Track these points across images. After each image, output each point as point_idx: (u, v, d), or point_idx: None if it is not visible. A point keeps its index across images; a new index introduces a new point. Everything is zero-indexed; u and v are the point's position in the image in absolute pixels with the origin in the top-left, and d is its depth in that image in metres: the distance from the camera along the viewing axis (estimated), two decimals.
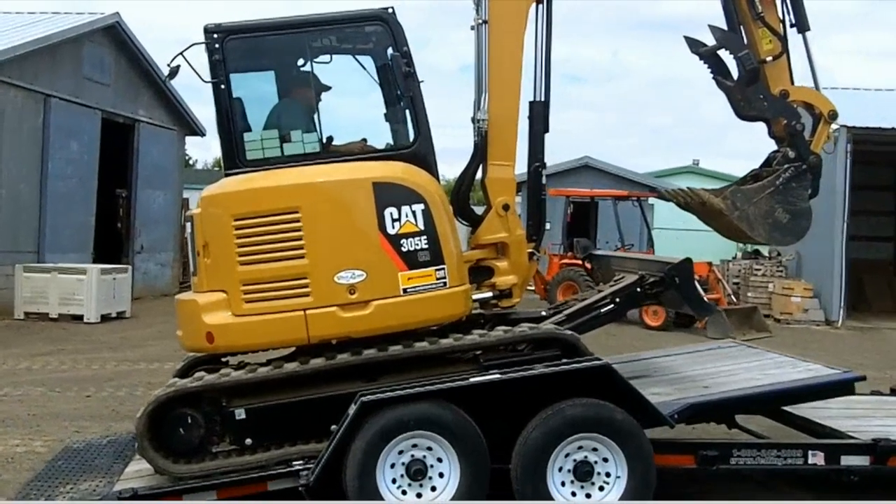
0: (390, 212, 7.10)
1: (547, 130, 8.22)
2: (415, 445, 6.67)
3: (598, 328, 8.46)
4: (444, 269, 7.19)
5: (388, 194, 7.13)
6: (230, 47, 7.43)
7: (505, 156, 7.96)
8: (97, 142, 23.86)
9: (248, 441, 7.04)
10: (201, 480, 6.84)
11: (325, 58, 7.80)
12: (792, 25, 8.47)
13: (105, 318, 19.84)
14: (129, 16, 24.57)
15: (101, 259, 23.32)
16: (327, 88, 7.82)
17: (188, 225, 7.51)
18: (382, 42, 7.58)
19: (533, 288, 24.46)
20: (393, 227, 7.10)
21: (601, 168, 35.39)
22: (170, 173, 27.81)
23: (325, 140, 7.66)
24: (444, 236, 7.22)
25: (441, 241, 7.20)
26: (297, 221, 7.05)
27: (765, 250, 30.39)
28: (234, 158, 7.45)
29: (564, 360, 7.19)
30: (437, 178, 7.58)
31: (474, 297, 7.74)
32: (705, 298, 9.07)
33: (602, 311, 8.28)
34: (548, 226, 28.99)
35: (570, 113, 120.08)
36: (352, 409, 6.63)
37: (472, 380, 6.86)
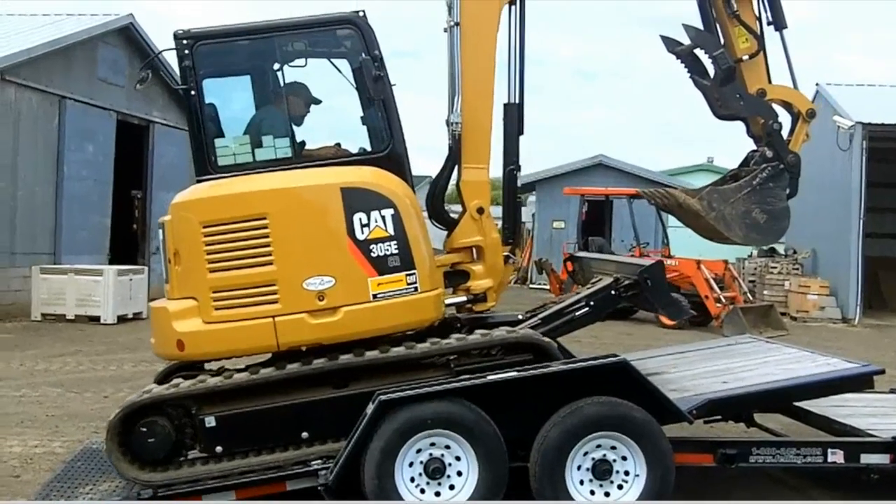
0: (359, 217, 7.06)
1: (521, 132, 8.15)
2: (433, 444, 6.67)
3: (578, 328, 8.38)
4: (415, 273, 7.15)
5: (357, 199, 7.08)
6: (200, 53, 7.40)
7: (479, 159, 7.92)
8: (112, 143, 23.92)
9: (219, 449, 6.99)
10: (220, 480, 6.85)
11: (300, 62, 7.76)
12: (769, 23, 8.43)
13: (122, 319, 19.89)
14: (142, 16, 24.60)
15: (117, 260, 23.38)
16: (317, 101, 7.85)
17: (160, 232, 7.49)
18: (354, 46, 7.52)
19: (548, 287, 24.46)
20: (362, 233, 7.06)
21: (615, 166, 35.33)
22: (185, 174, 27.74)
23: (297, 145, 7.62)
24: (415, 241, 7.18)
25: (412, 246, 7.15)
26: (265, 228, 7.02)
27: (781, 248, 30.28)
28: (205, 164, 7.43)
29: (582, 358, 7.17)
30: (410, 183, 7.53)
31: (448, 301, 7.71)
32: (678, 301, 9.06)
33: (577, 314, 8.17)
34: (562, 224, 29.14)
35: (583, 112, 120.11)
36: (370, 409, 6.63)
37: (489, 377, 6.84)
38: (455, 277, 7.88)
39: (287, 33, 7.60)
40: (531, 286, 33.49)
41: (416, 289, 7.16)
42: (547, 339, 7.47)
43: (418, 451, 6.65)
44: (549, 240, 33.65)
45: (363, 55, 7.35)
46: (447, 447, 6.67)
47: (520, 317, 8.31)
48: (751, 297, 23.88)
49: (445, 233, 8.07)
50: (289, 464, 6.90)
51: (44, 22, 24.39)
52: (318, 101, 7.86)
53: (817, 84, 29.66)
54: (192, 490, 6.82)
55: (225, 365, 7.44)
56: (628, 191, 26.45)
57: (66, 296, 19.95)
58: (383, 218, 7.08)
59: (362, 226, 7.06)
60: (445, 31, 8.01)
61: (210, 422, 6.99)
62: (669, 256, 22.63)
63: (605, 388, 6.82)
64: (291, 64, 7.71)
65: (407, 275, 7.13)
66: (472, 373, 7.01)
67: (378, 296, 7.08)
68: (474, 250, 7.91)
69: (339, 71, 7.74)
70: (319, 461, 6.84)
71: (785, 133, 8.51)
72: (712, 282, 21.10)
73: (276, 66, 7.66)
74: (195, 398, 7.05)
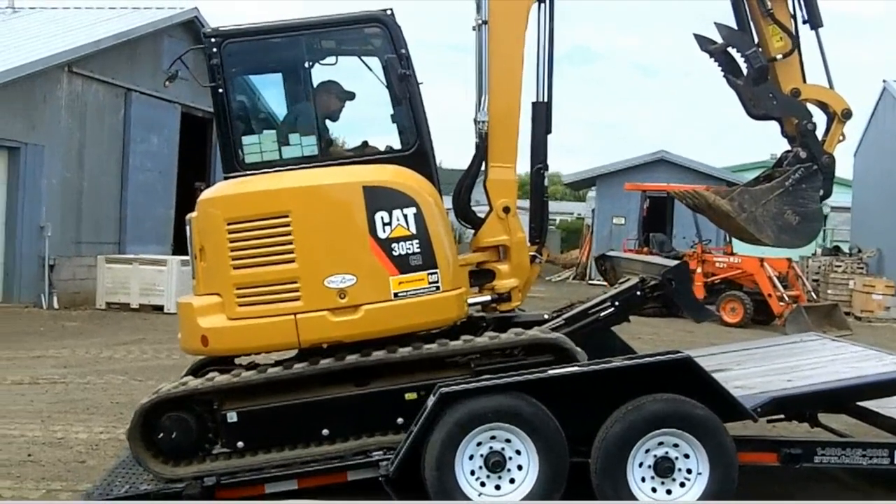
0: (381, 216, 7.05)
1: (549, 131, 8.07)
2: (493, 437, 6.64)
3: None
4: (437, 272, 7.12)
5: (379, 198, 7.07)
6: (228, 51, 7.45)
7: (506, 157, 7.87)
8: (177, 135, 24.18)
9: (240, 444, 7.02)
10: (281, 469, 6.90)
11: (330, 59, 7.79)
12: (805, 22, 8.28)
13: None
14: (207, 10, 24.81)
15: (181, 251, 23.59)
16: (351, 97, 7.85)
17: (187, 228, 7.56)
18: (382, 44, 7.50)
19: (606, 283, 24.32)
20: (384, 231, 7.05)
21: (677, 162, 35.00)
22: None
23: (323, 143, 7.62)
24: (438, 240, 7.15)
25: (434, 245, 7.13)
26: (288, 226, 7.04)
27: (845, 247, 29.87)
28: (232, 162, 7.46)
29: (645, 353, 7.11)
30: (436, 181, 7.48)
31: (471, 300, 7.66)
32: (702, 303, 8.88)
33: (602, 314, 8.04)
34: (622, 220, 28.97)
35: (645, 107, 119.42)
36: (430, 401, 6.63)
37: (550, 372, 6.81)
38: (480, 276, 7.84)
39: (315, 32, 7.62)
40: (590, 282, 33.33)
41: (437, 288, 7.14)
42: (564, 338, 7.32)
43: (479, 444, 6.62)
44: (608, 236, 33.45)
45: (390, 53, 7.36)
46: (507, 441, 6.64)
47: (545, 316, 8.24)
48: (814, 296, 23.53)
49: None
50: (350, 454, 6.93)
51: (110, 15, 24.72)
52: (351, 97, 7.87)
53: (884, 81, 29.22)
54: (256, 479, 6.89)
55: (255, 360, 7.49)
56: (691, 187, 26.23)
57: (130, 285, 20.26)
58: (405, 217, 7.07)
59: (384, 224, 7.05)
60: (474, 29, 7.97)
61: (232, 417, 7.03)
62: (732, 254, 22.44)
63: (667, 385, 6.75)
64: (322, 62, 7.73)
65: (429, 274, 7.11)
66: (492, 373, 6.95)
67: (399, 294, 7.08)
68: (500, 249, 7.87)
69: (370, 69, 7.73)
70: (380, 452, 6.87)
71: (821, 133, 8.35)
72: (776, 280, 20.89)
73: (304, 64, 7.67)
74: (216, 393, 7.11)
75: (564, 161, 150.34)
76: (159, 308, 19.89)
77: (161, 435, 6.99)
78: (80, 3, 26.50)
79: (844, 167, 36.86)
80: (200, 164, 25.78)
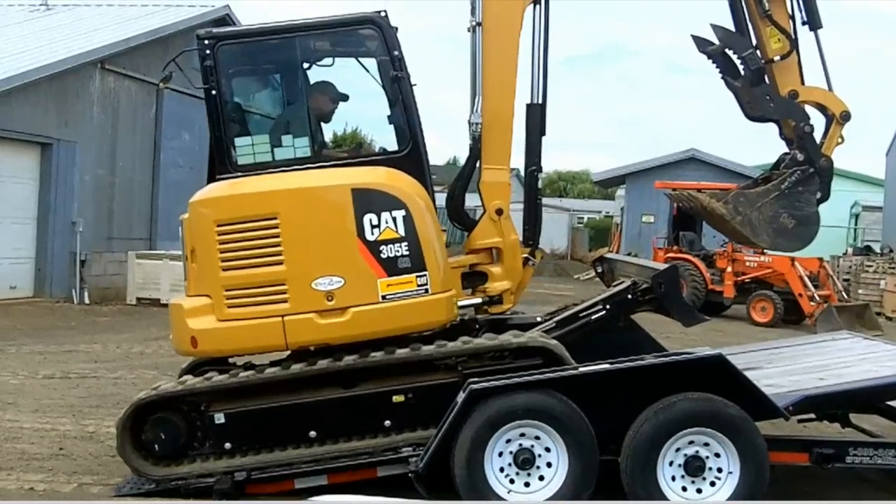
0: (369, 218, 7.04)
1: (544, 133, 8.07)
2: (522, 435, 6.62)
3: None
4: (425, 275, 7.11)
5: (368, 200, 7.07)
6: (222, 53, 7.47)
7: (499, 159, 7.86)
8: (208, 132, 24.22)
9: (228, 445, 7.03)
10: (312, 465, 6.93)
11: (326, 61, 7.80)
12: (804, 23, 8.23)
13: None
14: (239, 8, 24.92)
15: None
16: (344, 98, 7.87)
17: (180, 229, 7.58)
18: (375, 46, 7.50)
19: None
20: (372, 234, 7.04)
21: (707, 160, 34.90)
22: None
23: (317, 144, 7.62)
24: (427, 243, 7.14)
25: (423, 248, 7.11)
26: (276, 228, 7.04)
27: (876, 247, 29.63)
28: (225, 163, 7.47)
29: (678, 351, 7.06)
30: (428, 184, 7.47)
31: (461, 303, 7.64)
32: (692, 307, 8.79)
33: (593, 317, 7.95)
34: (651, 219, 28.70)
35: (675, 103, 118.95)
36: (460, 398, 6.63)
37: (581, 369, 6.80)
38: (473, 278, 7.85)
39: (308, 33, 7.62)
40: None
41: (426, 290, 7.13)
42: (554, 342, 7.28)
43: (508, 441, 6.61)
44: (638, 234, 33.35)
45: (383, 55, 7.37)
46: (537, 438, 6.62)
47: (538, 318, 8.20)
48: (845, 296, 23.34)
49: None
50: (379, 450, 6.94)
51: (142, 13, 24.87)
52: (345, 98, 7.88)
53: None
54: (287, 474, 6.93)
55: (250, 360, 7.49)
56: (721, 185, 26.10)
57: (160, 281, 20.33)
58: (394, 219, 7.06)
59: (372, 227, 7.05)
60: (468, 30, 7.95)
61: (219, 418, 7.06)
62: (763, 253, 22.27)
63: (698, 383, 6.72)
64: (319, 63, 7.75)
65: (417, 276, 7.10)
66: (479, 376, 6.91)
67: (387, 297, 7.07)
68: (493, 251, 7.86)
69: (367, 70, 7.71)
70: (410, 448, 6.88)
71: (820, 136, 8.30)
72: (806, 279, 20.76)
73: (298, 66, 7.68)
74: (205, 395, 7.14)
75: (595, 157, 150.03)
76: None
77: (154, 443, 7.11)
78: (112, 1, 26.68)
79: (877, 167, 36.58)
80: None
